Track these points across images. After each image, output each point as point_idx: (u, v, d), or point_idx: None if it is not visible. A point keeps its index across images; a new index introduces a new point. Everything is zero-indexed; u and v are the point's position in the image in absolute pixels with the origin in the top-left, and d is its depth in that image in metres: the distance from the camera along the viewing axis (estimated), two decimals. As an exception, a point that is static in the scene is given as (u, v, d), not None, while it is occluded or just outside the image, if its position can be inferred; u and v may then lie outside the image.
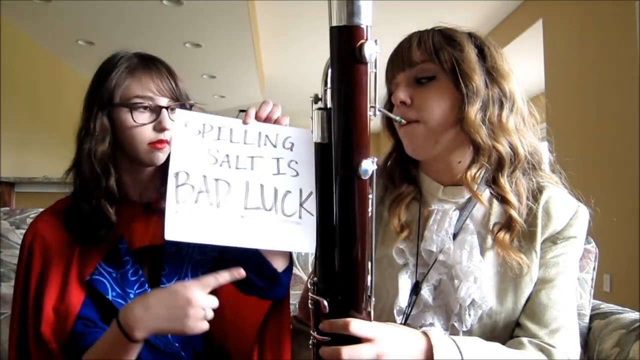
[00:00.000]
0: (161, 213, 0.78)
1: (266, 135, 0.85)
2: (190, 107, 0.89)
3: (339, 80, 0.51)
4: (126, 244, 0.86)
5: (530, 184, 0.82)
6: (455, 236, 0.81)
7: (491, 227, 0.81)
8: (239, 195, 0.81)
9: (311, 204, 0.82)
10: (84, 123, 0.86)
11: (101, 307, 0.82)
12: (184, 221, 0.77)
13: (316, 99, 0.58)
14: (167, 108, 0.85)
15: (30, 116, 4.83)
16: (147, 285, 0.86)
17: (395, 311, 0.80)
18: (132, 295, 0.83)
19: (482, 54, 0.80)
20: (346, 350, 0.60)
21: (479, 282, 0.77)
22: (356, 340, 0.61)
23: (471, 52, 0.79)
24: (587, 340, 1.07)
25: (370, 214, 0.56)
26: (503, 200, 0.79)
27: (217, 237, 0.78)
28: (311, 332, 0.63)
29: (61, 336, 0.79)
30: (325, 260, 0.59)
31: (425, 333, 0.69)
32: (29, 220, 1.20)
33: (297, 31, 5.00)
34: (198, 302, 0.73)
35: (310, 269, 1.23)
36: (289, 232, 0.80)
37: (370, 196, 0.55)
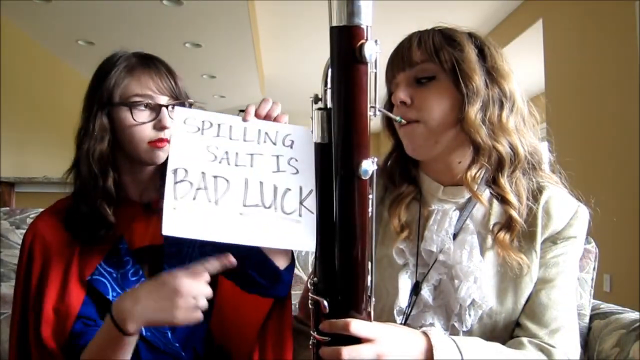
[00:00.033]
0: (161, 213, 0.78)
1: (266, 133, 0.85)
2: (190, 106, 0.89)
3: (339, 80, 0.51)
4: (126, 244, 0.86)
5: (530, 184, 0.82)
6: (455, 236, 0.81)
7: (491, 227, 0.81)
8: (238, 192, 0.80)
9: (311, 202, 0.81)
10: (84, 123, 0.86)
11: (101, 307, 0.82)
12: (182, 217, 0.76)
13: (316, 99, 0.58)
14: (166, 106, 0.85)
15: (30, 116, 4.83)
16: (147, 285, 0.86)
17: (395, 311, 0.80)
18: None
19: (482, 54, 0.80)
20: (346, 351, 0.60)
21: (479, 282, 0.77)
22: (356, 340, 0.61)
23: (471, 52, 0.79)
24: (587, 340, 1.07)
25: (370, 214, 0.56)
26: (503, 201, 0.80)
27: (215, 234, 0.77)
28: (311, 332, 0.63)
29: (61, 336, 0.79)
30: (325, 261, 0.59)
31: (425, 333, 0.69)
32: (29, 220, 1.20)
33: (297, 31, 5.00)
34: (187, 291, 0.71)
35: (310, 269, 1.23)
36: (288, 230, 0.80)
37: (370, 196, 0.55)
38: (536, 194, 0.82)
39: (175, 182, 0.78)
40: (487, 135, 0.77)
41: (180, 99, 0.88)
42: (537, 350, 0.74)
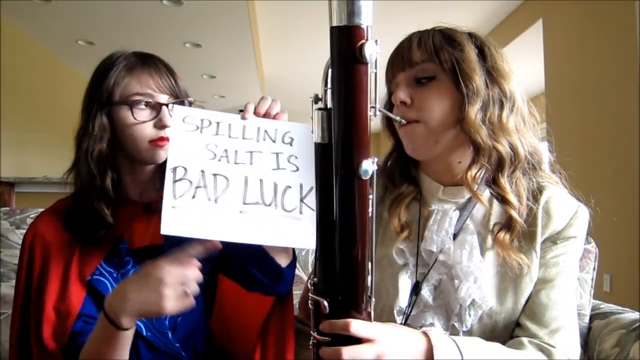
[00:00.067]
0: (161, 212, 0.78)
1: (265, 131, 0.85)
2: (190, 105, 0.89)
3: (339, 80, 0.51)
4: (127, 244, 0.86)
5: (530, 184, 0.82)
6: (455, 236, 0.81)
7: (491, 227, 0.81)
8: (238, 190, 0.80)
9: (312, 199, 0.80)
10: (83, 123, 0.86)
11: (102, 307, 0.82)
12: (181, 216, 0.76)
13: (316, 99, 0.58)
14: (167, 105, 0.85)
15: (30, 116, 4.83)
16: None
17: (395, 311, 0.80)
18: None
19: (482, 54, 0.80)
20: (346, 351, 0.60)
21: (479, 282, 0.77)
22: (356, 340, 0.61)
23: (471, 52, 0.79)
24: (587, 340, 1.07)
25: (370, 214, 0.56)
26: (503, 201, 0.80)
27: (215, 233, 0.77)
28: (311, 332, 0.63)
29: (62, 335, 0.79)
30: (325, 261, 0.59)
31: (425, 333, 0.69)
32: (29, 220, 1.20)
33: (297, 31, 5.00)
34: (172, 280, 0.70)
35: (310, 269, 1.23)
36: (289, 228, 0.79)
37: (370, 196, 0.55)
38: (536, 194, 0.82)
39: (175, 181, 0.77)
40: (487, 135, 0.77)
41: (180, 98, 0.88)
42: (537, 350, 0.74)
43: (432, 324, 0.79)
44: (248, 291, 0.90)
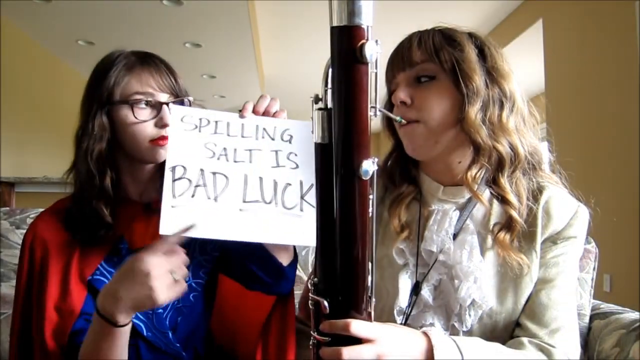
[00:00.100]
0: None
1: (264, 128, 0.84)
2: (190, 104, 0.89)
3: (339, 80, 0.51)
4: (127, 244, 0.86)
5: (530, 184, 0.82)
6: (455, 236, 0.81)
7: (491, 227, 0.81)
8: (238, 188, 0.79)
9: (312, 196, 0.80)
10: (82, 123, 0.86)
11: None
12: (181, 215, 0.75)
13: (316, 99, 0.58)
14: (167, 104, 0.85)
15: (30, 116, 4.83)
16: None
17: (395, 311, 0.80)
18: None
19: (482, 54, 0.80)
20: (347, 351, 0.60)
21: (479, 282, 0.77)
22: (357, 340, 0.61)
23: (471, 52, 0.79)
24: (587, 340, 1.07)
25: (370, 214, 0.56)
26: (503, 201, 0.80)
27: (215, 232, 0.76)
28: (311, 332, 0.63)
29: (63, 335, 0.79)
30: (325, 261, 0.59)
31: (425, 333, 0.69)
32: (29, 220, 1.20)
33: (297, 31, 5.00)
34: (158, 272, 0.68)
35: (310, 269, 1.23)
36: (290, 225, 0.79)
37: (370, 196, 0.55)
38: (536, 194, 0.82)
39: (174, 180, 0.77)
40: (487, 135, 0.77)
41: (180, 97, 0.88)
42: (537, 350, 0.74)
43: (432, 324, 0.79)
44: (249, 290, 0.90)
